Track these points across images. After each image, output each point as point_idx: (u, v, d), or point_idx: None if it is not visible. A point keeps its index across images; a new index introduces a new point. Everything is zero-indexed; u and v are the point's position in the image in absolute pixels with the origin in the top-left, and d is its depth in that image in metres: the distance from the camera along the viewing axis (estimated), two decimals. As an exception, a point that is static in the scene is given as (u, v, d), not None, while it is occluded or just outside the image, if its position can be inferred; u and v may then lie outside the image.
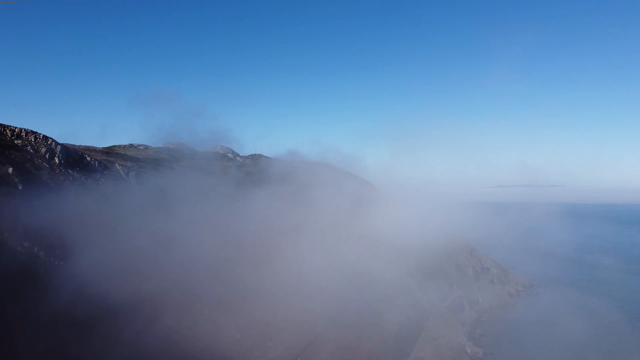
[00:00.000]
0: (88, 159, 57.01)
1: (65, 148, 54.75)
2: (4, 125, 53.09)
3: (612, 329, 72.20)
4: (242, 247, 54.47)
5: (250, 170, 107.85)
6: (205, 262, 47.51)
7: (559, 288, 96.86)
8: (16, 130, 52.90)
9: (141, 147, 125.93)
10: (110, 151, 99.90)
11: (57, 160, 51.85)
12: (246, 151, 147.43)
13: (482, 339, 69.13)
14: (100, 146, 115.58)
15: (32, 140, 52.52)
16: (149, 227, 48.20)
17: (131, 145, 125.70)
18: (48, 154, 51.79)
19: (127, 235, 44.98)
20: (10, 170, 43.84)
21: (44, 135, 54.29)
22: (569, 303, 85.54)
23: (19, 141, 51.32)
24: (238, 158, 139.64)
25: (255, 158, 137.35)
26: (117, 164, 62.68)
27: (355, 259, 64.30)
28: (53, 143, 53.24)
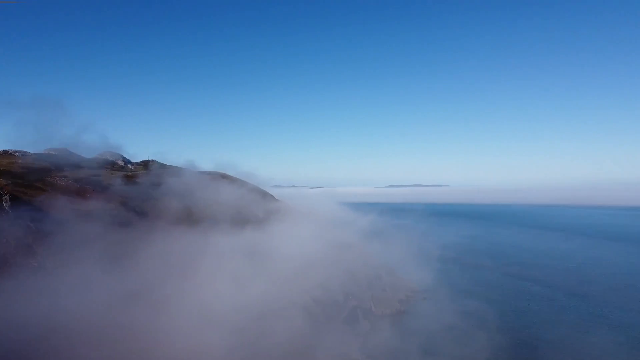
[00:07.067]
0: (-48, 183, 50.80)
1: None
2: None
3: (490, 330, 78.18)
4: (134, 287, 52.00)
5: (141, 182, 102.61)
6: (96, 303, 44.52)
7: (445, 291, 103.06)
8: None
9: (17, 154, 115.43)
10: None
11: None
12: (139, 157, 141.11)
13: (376, 349, 71.58)
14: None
15: None
16: (27, 263, 44.23)
17: (5, 152, 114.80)
18: None
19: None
20: None
21: None
22: (453, 307, 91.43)
23: None
24: (129, 165, 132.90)
25: (148, 166, 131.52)
26: (-13, 187, 56.53)
27: (252, 284, 64.37)
28: None
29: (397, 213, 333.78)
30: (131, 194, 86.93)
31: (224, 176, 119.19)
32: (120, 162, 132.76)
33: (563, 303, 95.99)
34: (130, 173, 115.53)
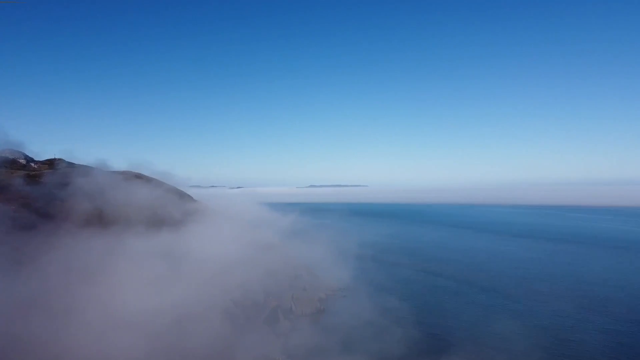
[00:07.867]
0: None
1: None
2: None
3: (405, 325, 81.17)
4: (37, 294, 48.19)
5: (45, 182, 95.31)
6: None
7: (363, 289, 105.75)
8: None
9: None
10: None
11: None
12: (44, 155, 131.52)
13: (297, 349, 71.77)
14: None
15: None
16: None
17: None
18: None
19: None
20: None
21: None
22: (371, 303, 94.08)
23: None
24: (32, 164, 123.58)
25: (54, 165, 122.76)
26: None
27: (168, 287, 62.11)
28: None
29: (317, 213, 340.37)
30: (34, 194, 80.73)
31: (138, 176, 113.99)
32: (22, 161, 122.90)
33: (471, 296, 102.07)
34: (33, 172, 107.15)
